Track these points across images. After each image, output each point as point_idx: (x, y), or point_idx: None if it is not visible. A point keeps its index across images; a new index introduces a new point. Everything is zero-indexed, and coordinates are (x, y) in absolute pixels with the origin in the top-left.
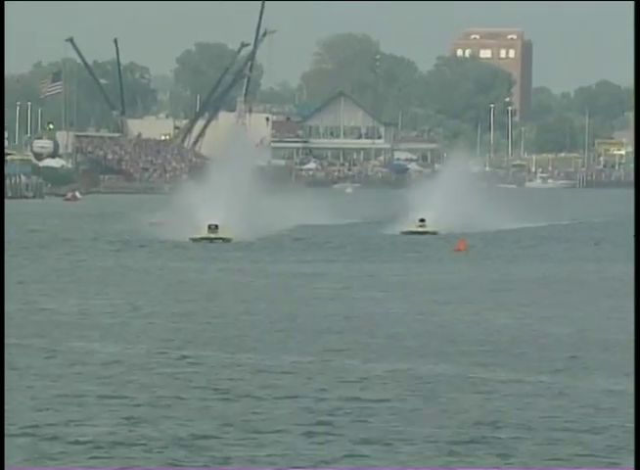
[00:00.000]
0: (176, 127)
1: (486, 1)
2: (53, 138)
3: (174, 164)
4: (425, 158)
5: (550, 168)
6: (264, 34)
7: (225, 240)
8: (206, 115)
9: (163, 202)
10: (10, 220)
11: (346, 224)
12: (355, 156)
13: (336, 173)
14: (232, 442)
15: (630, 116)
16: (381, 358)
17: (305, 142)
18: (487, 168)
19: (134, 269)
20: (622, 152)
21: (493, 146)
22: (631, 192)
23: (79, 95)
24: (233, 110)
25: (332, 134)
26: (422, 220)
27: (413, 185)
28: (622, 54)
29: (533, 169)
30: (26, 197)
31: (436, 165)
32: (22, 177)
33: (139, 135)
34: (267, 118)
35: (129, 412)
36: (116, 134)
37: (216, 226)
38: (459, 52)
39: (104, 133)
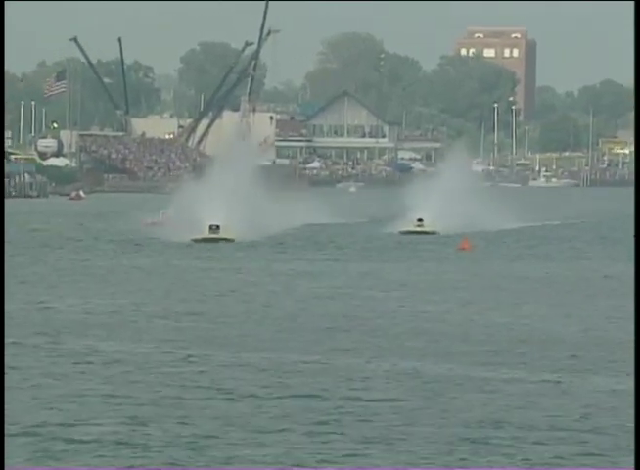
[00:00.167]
0: (180, 126)
1: (490, 0)
2: (57, 137)
3: (178, 163)
4: (429, 157)
5: (554, 167)
6: (268, 34)
7: (228, 240)
8: (210, 114)
9: (166, 201)
10: (13, 219)
11: (346, 224)
12: (359, 155)
13: (339, 172)
14: (235, 441)
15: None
16: (384, 358)
17: (309, 141)
18: (491, 167)
19: (137, 268)
20: (626, 151)
21: (497, 145)
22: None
23: (83, 94)
24: (237, 109)
25: (336, 133)
26: (420, 220)
27: (413, 185)
28: (626, 53)
29: (537, 168)
30: (31, 196)
31: (440, 164)
32: (27, 176)
33: (143, 134)
34: (271, 118)
35: (132, 412)
36: (120, 133)
37: (218, 227)
38: (463, 51)
39: (108, 132)
